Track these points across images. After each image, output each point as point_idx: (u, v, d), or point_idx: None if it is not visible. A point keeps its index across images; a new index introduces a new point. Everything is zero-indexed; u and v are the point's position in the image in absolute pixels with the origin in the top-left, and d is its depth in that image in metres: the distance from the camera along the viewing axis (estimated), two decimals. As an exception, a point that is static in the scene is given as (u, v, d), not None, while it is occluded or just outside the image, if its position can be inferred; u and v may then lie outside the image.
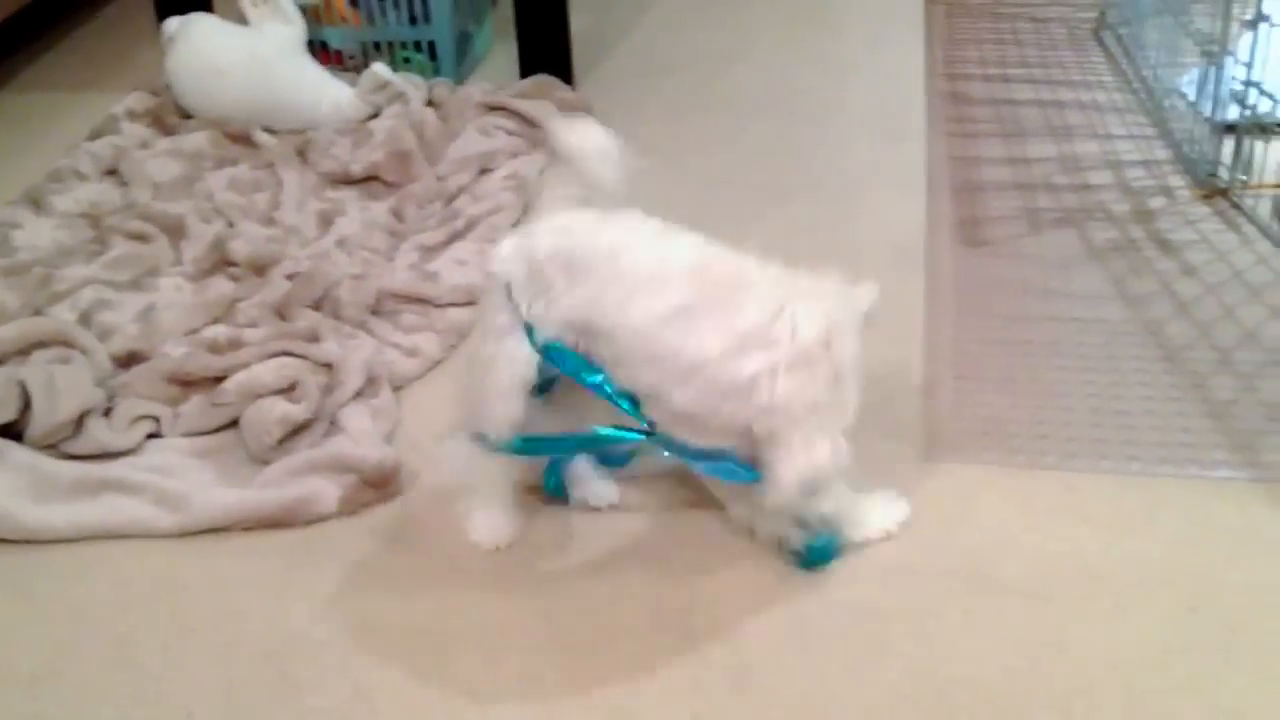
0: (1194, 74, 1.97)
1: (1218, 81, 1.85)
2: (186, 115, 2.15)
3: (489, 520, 1.31)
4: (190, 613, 1.25)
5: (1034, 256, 1.74)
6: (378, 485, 1.37)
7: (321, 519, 1.36)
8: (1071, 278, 1.69)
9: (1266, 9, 1.74)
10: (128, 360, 1.54)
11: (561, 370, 1.22)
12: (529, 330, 1.20)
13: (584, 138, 1.26)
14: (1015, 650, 1.17)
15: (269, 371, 1.47)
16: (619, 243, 1.19)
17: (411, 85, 2.13)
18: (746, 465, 1.21)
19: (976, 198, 1.86)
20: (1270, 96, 1.77)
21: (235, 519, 1.34)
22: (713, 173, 2.01)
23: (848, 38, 2.46)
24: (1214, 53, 1.85)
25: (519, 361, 1.21)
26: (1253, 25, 1.75)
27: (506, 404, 1.22)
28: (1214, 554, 1.26)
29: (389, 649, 1.20)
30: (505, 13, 2.40)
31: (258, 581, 1.29)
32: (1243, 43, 1.79)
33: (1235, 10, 1.81)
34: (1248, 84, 1.78)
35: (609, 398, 1.21)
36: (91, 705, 1.15)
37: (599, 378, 1.21)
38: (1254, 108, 1.78)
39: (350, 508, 1.36)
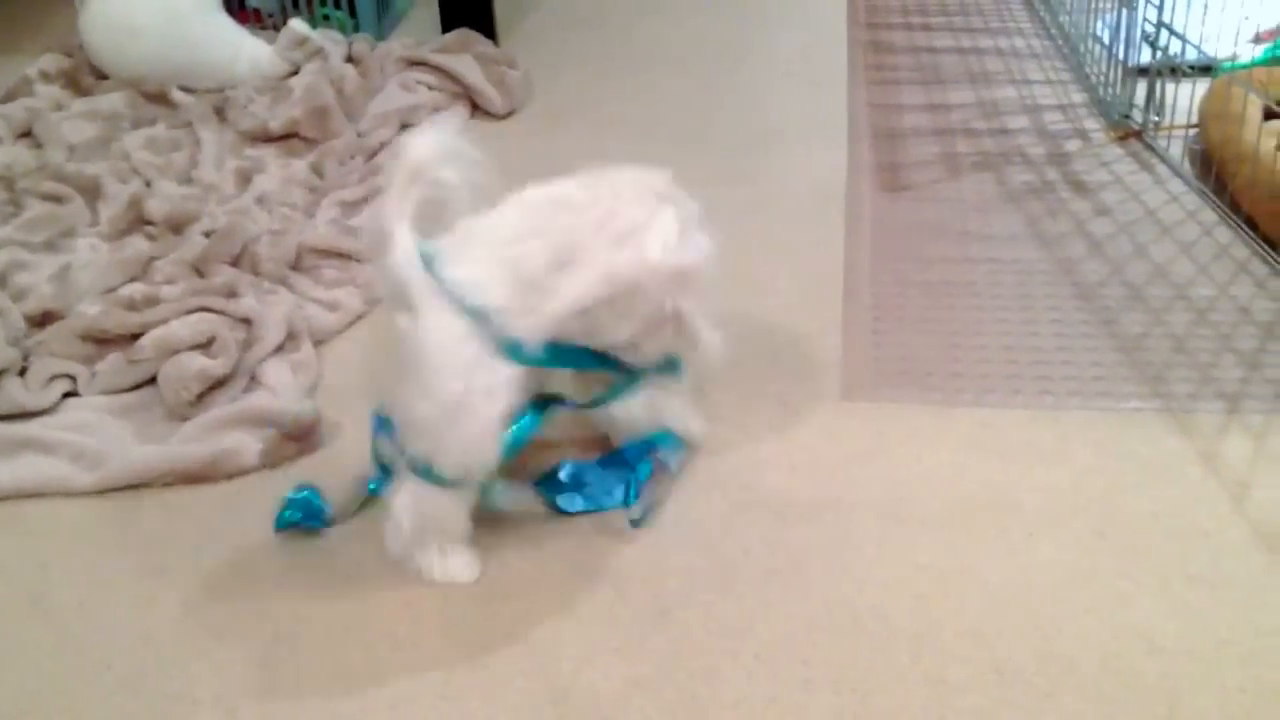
0: (1109, 19, 2.00)
1: (1130, 25, 1.87)
2: (102, 76, 2.12)
3: (460, 556, 1.22)
4: (108, 568, 1.25)
5: (952, 200, 1.75)
6: (298, 438, 1.37)
7: (242, 473, 1.36)
8: (989, 220, 1.71)
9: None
10: (42, 320, 1.53)
11: (564, 366, 1.24)
12: (511, 349, 1.13)
13: (428, 146, 1.11)
14: (927, 580, 1.19)
15: (186, 327, 1.46)
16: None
17: (331, 41, 2.12)
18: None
19: (896, 144, 1.88)
20: (1180, 37, 1.79)
21: (154, 474, 1.34)
22: (634, 124, 2.01)
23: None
24: (1127, -4, 1.87)
25: (499, 393, 1.13)
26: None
27: (487, 446, 1.14)
28: (1122, 482, 1.29)
29: (311, 596, 1.20)
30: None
31: (178, 536, 1.28)
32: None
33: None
34: (1159, 25, 1.80)
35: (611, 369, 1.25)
36: (8, 659, 1.15)
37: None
38: (1165, 49, 1.81)
39: (271, 461, 1.36)
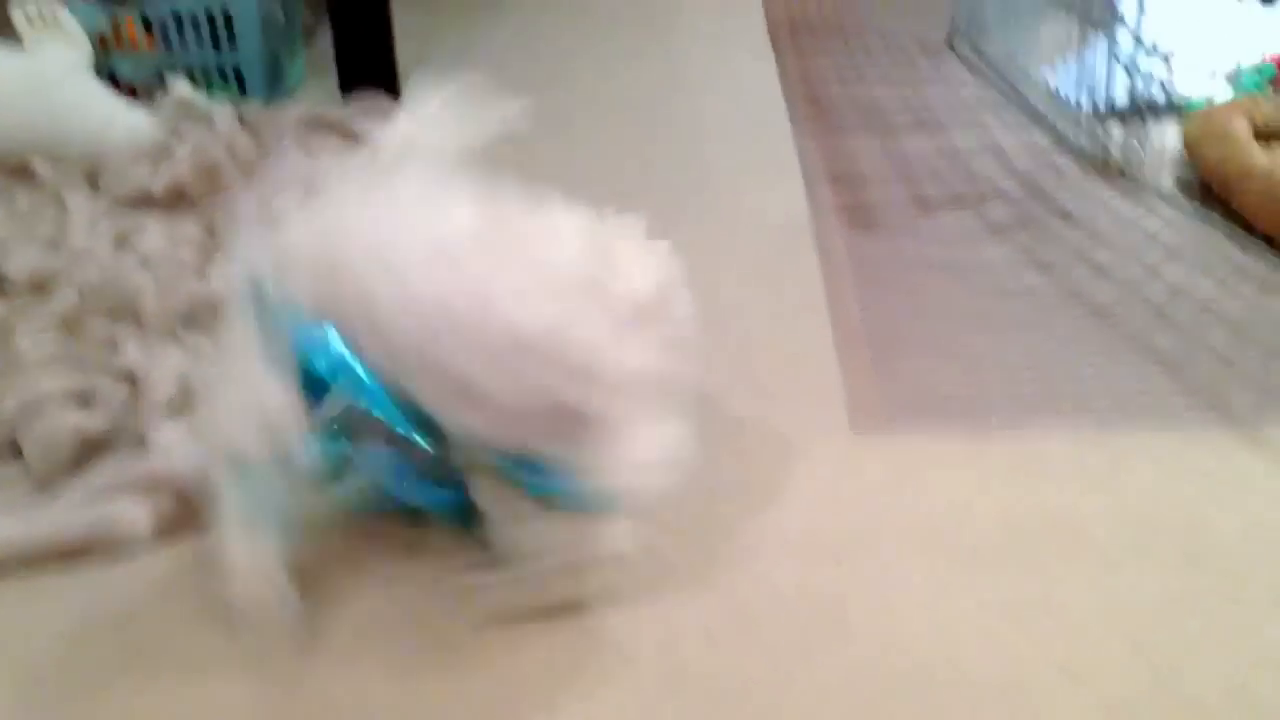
0: (1065, 68, 1.87)
1: (1111, 66, 1.74)
2: (-47, 150, 1.86)
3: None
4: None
5: (931, 236, 1.57)
6: (199, 505, 1.11)
7: (130, 545, 1.09)
8: (978, 251, 1.53)
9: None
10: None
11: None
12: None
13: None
14: (995, 617, 0.97)
15: (53, 380, 1.19)
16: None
17: (217, 107, 1.89)
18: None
19: (857, 187, 1.70)
20: (1164, 60, 1.66)
21: (19, 554, 1.06)
22: (574, 175, 1.78)
23: (691, 54, 2.29)
24: (1106, 22, 1.74)
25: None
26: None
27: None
28: (1199, 501, 1.09)
29: (225, 665, 0.94)
30: (320, 49, 2.20)
31: (50, 622, 1.01)
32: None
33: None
34: (1138, 46, 1.68)
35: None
36: None
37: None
38: (1144, 86, 1.68)
39: (166, 530, 1.09)
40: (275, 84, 2.07)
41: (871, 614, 0.97)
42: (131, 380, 1.23)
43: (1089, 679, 0.91)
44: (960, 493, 1.11)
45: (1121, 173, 1.71)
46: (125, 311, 1.36)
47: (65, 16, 1.85)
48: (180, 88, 1.84)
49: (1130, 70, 1.71)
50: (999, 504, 1.09)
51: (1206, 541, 1.04)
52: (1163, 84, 1.69)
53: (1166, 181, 1.67)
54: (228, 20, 1.97)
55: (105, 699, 0.93)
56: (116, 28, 1.98)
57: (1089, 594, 0.99)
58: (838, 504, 1.09)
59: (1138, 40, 1.69)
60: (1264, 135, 1.57)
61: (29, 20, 1.85)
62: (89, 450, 1.15)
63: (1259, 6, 1.98)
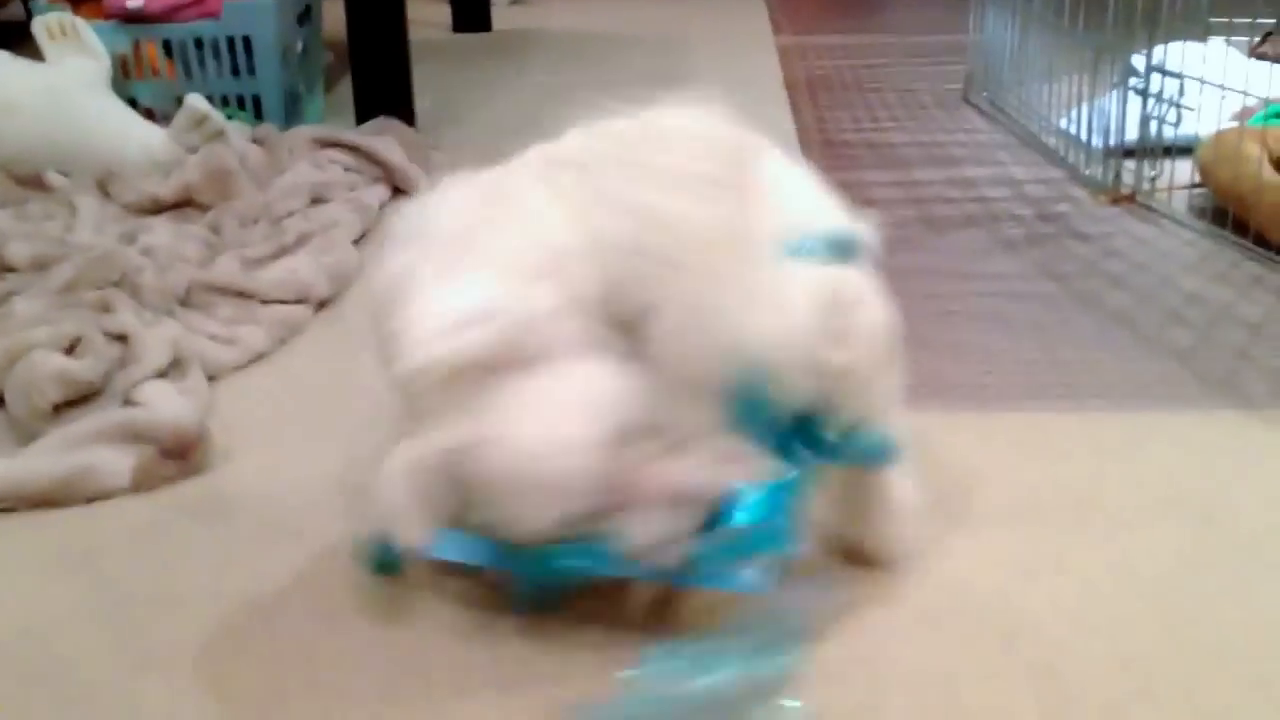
0: (1080, 114, 1.87)
1: (1124, 109, 1.74)
2: (-30, 160, 1.87)
3: None
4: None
5: (943, 250, 1.56)
6: (178, 456, 1.07)
7: (106, 496, 1.05)
8: (991, 263, 1.50)
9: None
10: None
11: None
12: None
13: None
14: (1007, 575, 0.92)
15: (43, 329, 1.17)
16: None
17: (232, 123, 1.89)
18: None
19: (868, 211, 1.68)
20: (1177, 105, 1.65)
21: (-4, 496, 1.03)
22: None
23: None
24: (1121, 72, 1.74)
25: None
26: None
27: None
28: (1216, 475, 1.05)
29: (177, 624, 0.90)
30: (339, 93, 2.23)
31: (19, 564, 0.97)
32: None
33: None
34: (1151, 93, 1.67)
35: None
36: None
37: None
38: (1158, 129, 1.67)
39: (146, 482, 1.06)
40: (292, 115, 2.08)
41: (876, 572, 0.93)
42: (123, 340, 1.21)
43: (1102, 632, 0.86)
44: (972, 465, 1.07)
45: (1134, 200, 1.69)
46: (123, 286, 1.34)
47: (85, 29, 1.87)
48: (195, 98, 1.83)
49: (1144, 112, 1.70)
50: (1010, 474, 1.05)
51: (1223, 508, 1.00)
52: (1175, 125, 1.67)
53: (1181, 208, 1.65)
54: (248, 47, 1.99)
55: (72, 637, 0.89)
56: (138, 51, 2.00)
57: (1103, 554, 0.94)
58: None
59: (1149, 93, 1.69)
60: (1277, 164, 1.55)
61: (49, 32, 1.87)
62: (73, 397, 1.13)
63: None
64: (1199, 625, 0.86)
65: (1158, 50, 1.69)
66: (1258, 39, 2.01)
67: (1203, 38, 1.70)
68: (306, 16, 2.18)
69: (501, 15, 3.11)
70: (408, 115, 2.00)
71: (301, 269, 1.46)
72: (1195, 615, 0.87)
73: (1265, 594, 0.90)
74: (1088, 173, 1.79)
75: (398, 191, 1.80)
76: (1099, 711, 0.78)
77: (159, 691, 0.82)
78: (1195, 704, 0.79)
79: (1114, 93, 1.77)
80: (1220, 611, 0.88)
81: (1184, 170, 1.71)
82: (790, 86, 2.37)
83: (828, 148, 2.00)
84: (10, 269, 1.43)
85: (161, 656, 0.86)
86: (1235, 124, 1.63)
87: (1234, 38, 1.78)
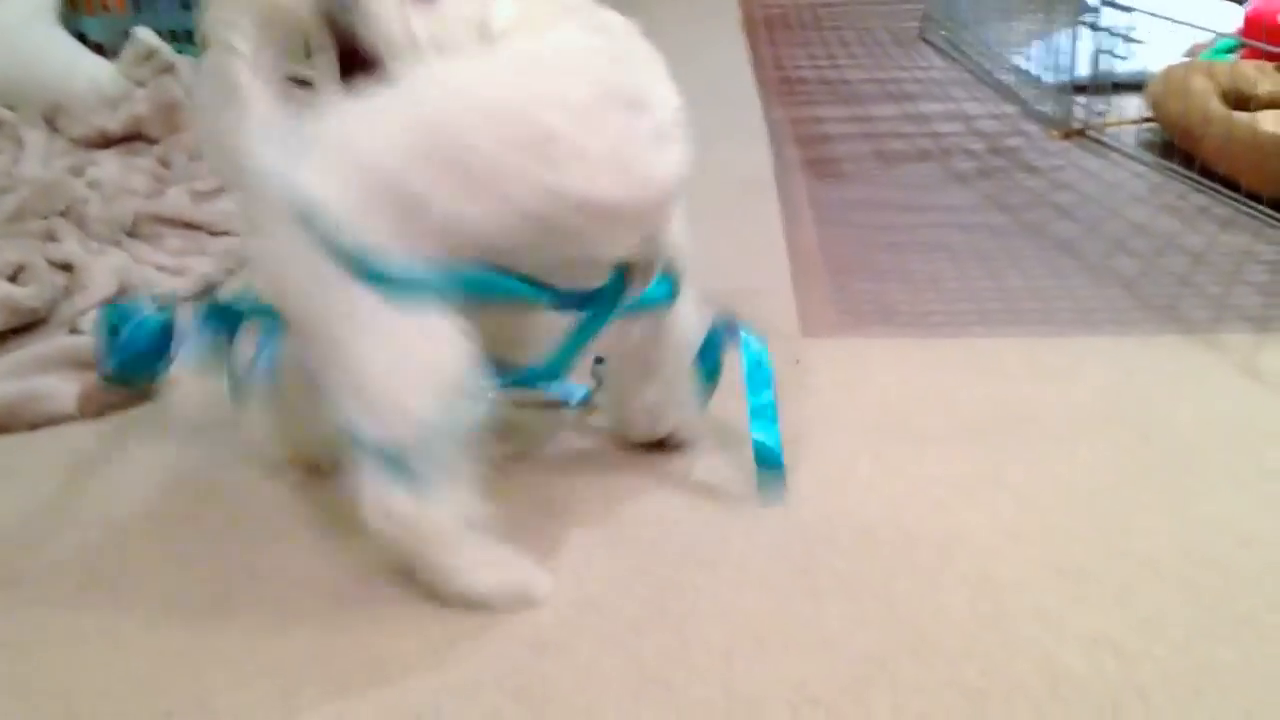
0: (1034, 52, 1.88)
1: (1076, 46, 1.74)
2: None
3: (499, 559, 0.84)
4: None
5: (893, 183, 1.56)
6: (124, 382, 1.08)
7: (51, 422, 1.05)
8: (942, 196, 1.51)
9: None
10: None
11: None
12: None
13: None
14: (944, 489, 0.94)
15: (-13, 256, 1.17)
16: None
17: (182, 57, 1.87)
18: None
19: (823, 144, 1.69)
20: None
21: (-62, 420, 1.03)
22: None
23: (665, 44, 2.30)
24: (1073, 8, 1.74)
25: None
26: None
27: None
28: (1155, 393, 1.06)
29: (121, 545, 0.90)
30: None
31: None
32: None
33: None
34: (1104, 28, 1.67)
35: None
36: None
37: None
38: (1109, 63, 1.68)
39: (92, 408, 1.06)
40: (245, 51, 2.06)
41: (818, 485, 0.94)
42: (69, 270, 1.21)
43: (1037, 541, 0.87)
44: (915, 386, 1.08)
45: (1085, 134, 1.70)
46: (69, 215, 1.33)
47: (30, -38, 1.84)
48: (144, 32, 1.81)
49: (1096, 48, 1.70)
50: (950, 395, 1.07)
51: (1159, 426, 1.01)
52: (1124, 59, 1.68)
53: (1130, 142, 1.66)
54: (198, -20, 1.97)
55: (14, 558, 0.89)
56: (85, -15, 1.98)
57: (1040, 470, 0.96)
58: (789, 396, 1.06)
59: (1100, 27, 1.69)
60: (1226, 101, 1.56)
61: (-7, -34, 1.84)
62: (18, 325, 1.12)
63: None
64: (1132, 535, 0.88)
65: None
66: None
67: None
68: (258, -49, 2.15)
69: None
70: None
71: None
72: (1128, 526, 0.89)
73: (1197, 506, 0.91)
74: (1040, 108, 1.80)
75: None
76: (1032, 617, 0.80)
77: (104, 610, 0.83)
78: (1127, 608, 0.80)
79: (1067, 29, 1.77)
80: (1153, 521, 0.89)
81: (1135, 106, 1.72)
82: (748, 25, 2.36)
83: (784, 84, 2.00)
84: (-45, 202, 1.42)
85: (107, 576, 0.86)
86: (1186, 59, 1.64)
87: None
